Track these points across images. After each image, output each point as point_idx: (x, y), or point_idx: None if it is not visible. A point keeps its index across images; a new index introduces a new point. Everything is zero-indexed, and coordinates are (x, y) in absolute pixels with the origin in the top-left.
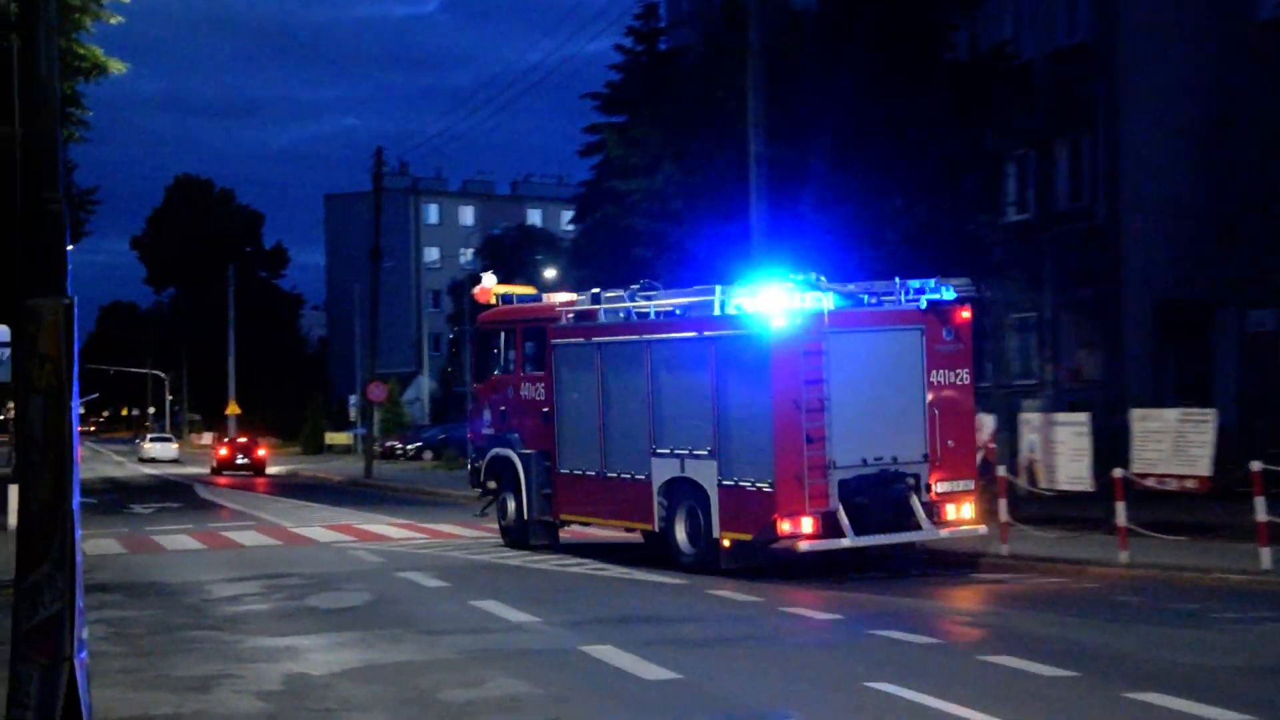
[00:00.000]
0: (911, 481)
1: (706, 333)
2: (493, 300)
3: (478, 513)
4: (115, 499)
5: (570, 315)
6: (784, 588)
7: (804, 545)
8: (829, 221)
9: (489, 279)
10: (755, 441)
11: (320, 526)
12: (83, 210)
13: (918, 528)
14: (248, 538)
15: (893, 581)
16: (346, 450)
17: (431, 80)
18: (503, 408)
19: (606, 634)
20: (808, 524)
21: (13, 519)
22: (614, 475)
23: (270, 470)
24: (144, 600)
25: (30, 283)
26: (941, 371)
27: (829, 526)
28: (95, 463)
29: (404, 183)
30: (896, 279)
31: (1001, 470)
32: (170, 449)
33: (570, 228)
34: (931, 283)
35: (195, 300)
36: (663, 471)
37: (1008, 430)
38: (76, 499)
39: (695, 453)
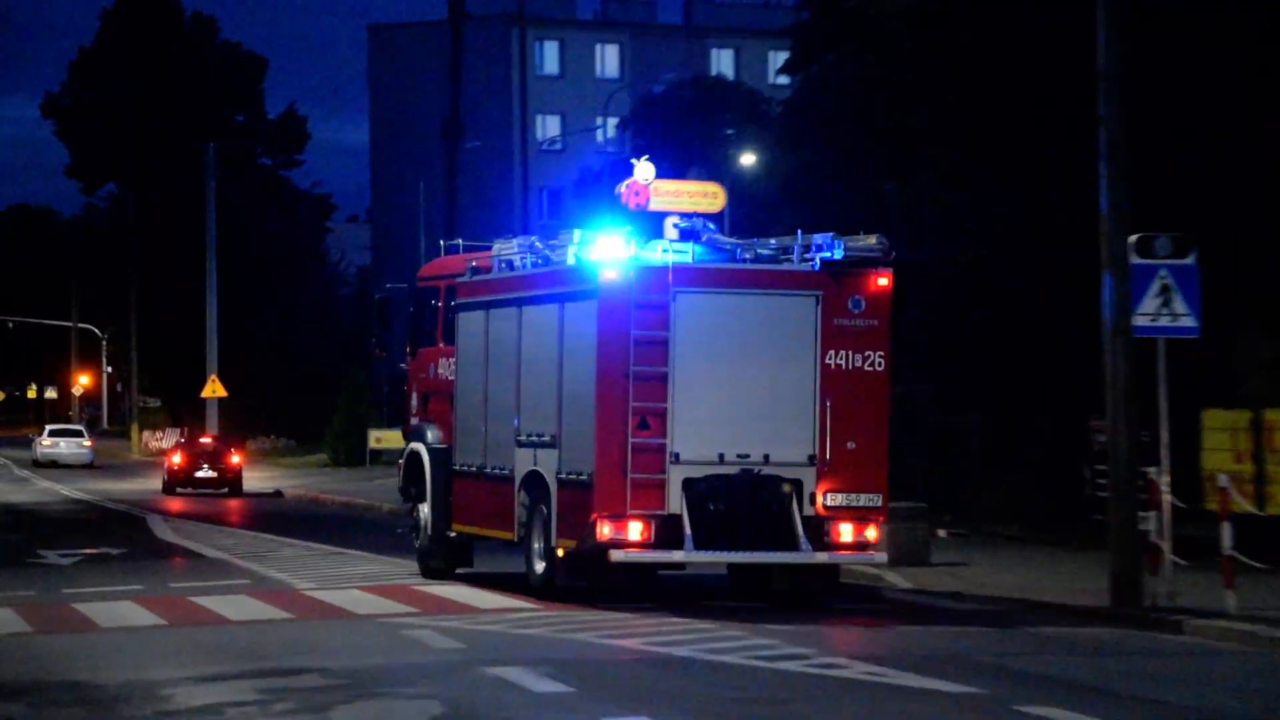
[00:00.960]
0: (788, 489)
1: (555, 289)
2: (647, 204)
3: (398, 530)
4: (12, 541)
5: (471, 267)
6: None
7: (617, 555)
8: None
9: (644, 169)
10: (584, 425)
11: (357, 588)
12: None
13: (792, 547)
14: (235, 606)
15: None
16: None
17: None
18: (424, 391)
19: None
20: (636, 529)
21: None
22: (490, 470)
23: (279, 488)
24: (59, 717)
25: None
26: (843, 353)
27: (668, 535)
28: None
29: (502, 5)
30: (799, 232)
31: (1223, 481)
32: (80, 449)
33: (782, 81)
34: (831, 238)
35: (151, 205)
36: (522, 464)
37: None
38: None
39: (544, 439)
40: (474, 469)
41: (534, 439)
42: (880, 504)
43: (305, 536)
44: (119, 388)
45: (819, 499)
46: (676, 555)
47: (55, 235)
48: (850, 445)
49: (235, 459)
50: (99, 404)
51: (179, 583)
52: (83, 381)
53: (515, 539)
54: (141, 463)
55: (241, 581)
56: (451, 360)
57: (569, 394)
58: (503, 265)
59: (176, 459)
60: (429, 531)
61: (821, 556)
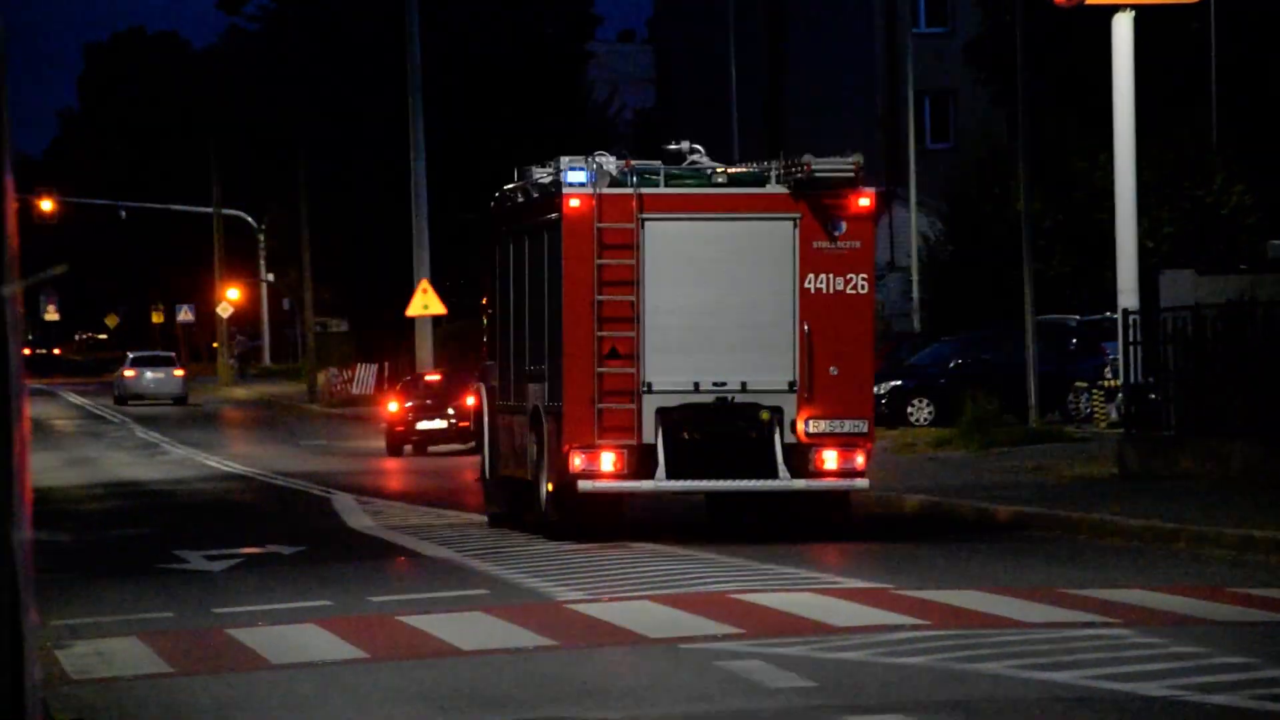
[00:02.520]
0: (767, 416)
1: (541, 218)
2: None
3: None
4: (139, 537)
5: (497, 196)
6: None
7: (585, 485)
8: None
9: None
10: (557, 355)
11: (648, 598)
12: None
13: (771, 475)
14: (467, 629)
15: None
16: None
17: None
18: (487, 328)
19: None
20: (608, 460)
21: None
22: (512, 405)
23: None
24: None
25: None
26: (824, 276)
27: (643, 465)
28: (79, 442)
29: None
30: (781, 153)
31: None
32: (170, 379)
33: None
34: (808, 160)
35: (320, 23)
36: (531, 399)
37: None
38: (20, 529)
39: (540, 371)
40: (507, 407)
41: (534, 371)
42: (866, 430)
43: (650, 536)
44: (285, 305)
45: (800, 426)
46: (646, 485)
47: (184, 72)
48: (833, 370)
49: (471, 399)
50: (257, 329)
51: (383, 595)
52: (231, 297)
53: (529, 478)
54: (324, 417)
55: (476, 591)
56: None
57: (552, 325)
58: (519, 195)
59: (393, 405)
60: (485, 475)
61: (799, 484)
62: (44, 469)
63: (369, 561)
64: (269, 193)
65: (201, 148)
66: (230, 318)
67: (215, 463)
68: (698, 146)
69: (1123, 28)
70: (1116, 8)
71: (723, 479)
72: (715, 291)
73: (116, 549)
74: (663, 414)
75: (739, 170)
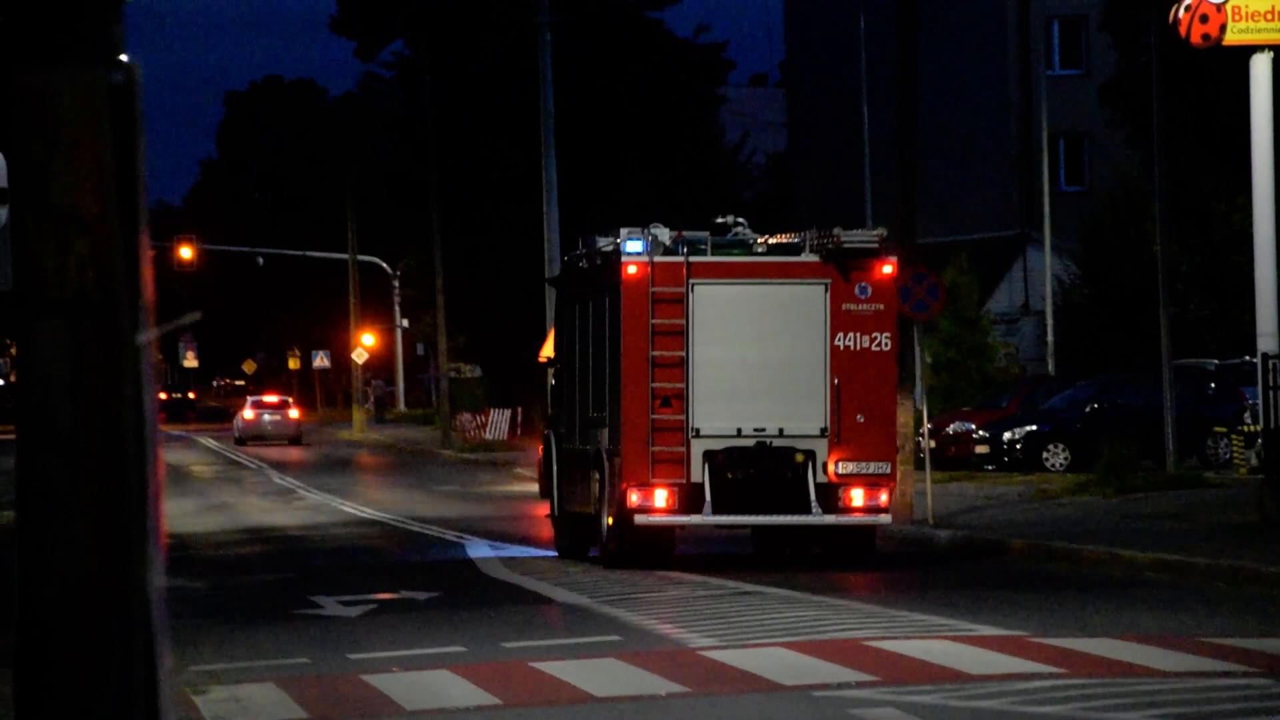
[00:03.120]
0: (802, 459)
1: (603, 283)
2: (1222, 34)
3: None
4: (276, 583)
5: (563, 262)
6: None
7: (640, 519)
8: None
9: None
10: (616, 403)
11: (781, 644)
12: None
13: (805, 511)
14: (600, 675)
15: None
16: None
17: None
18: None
19: None
20: (661, 496)
21: None
22: (578, 449)
23: None
24: None
25: (31, 34)
26: (852, 334)
27: (691, 502)
28: (217, 487)
29: None
30: (815, 226)
31: None
32: (285, 423)
33: None
34: (838, 231)
35: (455, 71)
36: (594, 442)
37: None
38: (158, 575)
39: (602, 418)
40: (573, 450)
41: (596, 418)
42: (889, 471)
43: (694, 567)
44: (419, 350)
45: (831, 467)
46: (695, 519)
47: (320, 119)
48: (860, 419)
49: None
50: (392, 375)
51: (517, 640)
52: (366, 343)
53: (593, 512)
54: (458, 463)
55: (609, 638)
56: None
57: (612, 377)
58: (583, 262)
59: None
60: (554, 512)
61: (829, 518)
62: (182, 514)
63: (503, 607)
64: (404, 239)
65: (337, 195)
66: (365, 363)
67: (350, 508)
68: (741, 220)
69: (1261, 68)
70: (1255, 48)
71: (762, 514)
72: (755, 347)
73: (253, 595)
74: (709, 456)
75: (777, 241)
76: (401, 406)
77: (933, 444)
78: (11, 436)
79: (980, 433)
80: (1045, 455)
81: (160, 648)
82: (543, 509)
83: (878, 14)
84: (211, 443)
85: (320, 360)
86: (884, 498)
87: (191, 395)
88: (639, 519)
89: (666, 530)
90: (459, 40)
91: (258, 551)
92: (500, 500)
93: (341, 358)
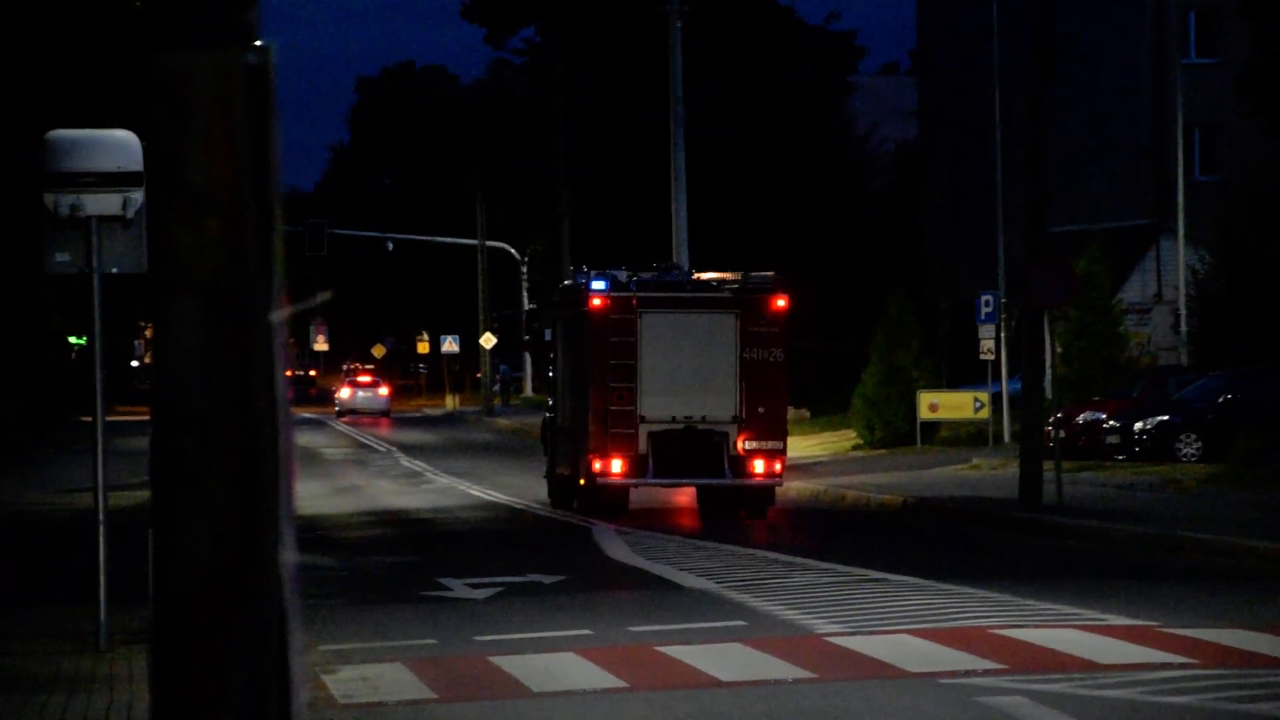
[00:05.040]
0: (718, 437)
1: (578, 309)
2: None
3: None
4: (404, 565)
5: (560, 289)
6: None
7: (602, 481)
8: None
9: None
10: (585, 397)
11: (907, 631)
12: None
13: (721, 476)
14: (727, 660)
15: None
16: (977, 437)
17: None
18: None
19: None
20: (616, 464)
21: None
22: (564, 430)
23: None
24: None
25: (167, 17)
26: (755, 349)
27: (639, 469)
28: (347, 470)
29: None
30: (729, 275)
31: None
32: (376, 399)
33: None
34: (747, 274)
35: (585, 57)
36: (573, 425)
37: None
38: (289, 555)
39: (578, 406)
40: (562, 430)
41: (575, 407)
42: (782, 448)
43: (824, 554)
44: (547, 335)
45: (740, 445)
46: (642, 481)
47: (450, 105)
48: (760, 410)
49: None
50: (520, 359)
51: (642, 624)
52: (495, 328)
53: (570, 475)
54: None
55: (735, 623)
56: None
57: (585, 379)
58: (567, 291)
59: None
60: (549, 473)
61: (738, 481)
62: (313, 496)
63: (628, 591)
64: (532, 225)
65: (467, 181)
66: (494, 348)
67: (478, 491)
68: (678, 264)
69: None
70: None
71: (690, 478)
72: (686, 358)
73: (382, 576)
74: (652, 436)
75: (702, 279)
76: (529, 391)
77: (1063, 434)
78: (146, 418)
79: (1111, 422)
80: (1177, 446)
81: (292, 625)
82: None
83: (1011, 1)
84: (341, 426)
85: (449, 345)
86: (778, 467)
87: (313, 373)
88: (600, 480)
89: (622, 489)
90: (589, 29)
91: (386, 534)
92: None
93: (470, 342)
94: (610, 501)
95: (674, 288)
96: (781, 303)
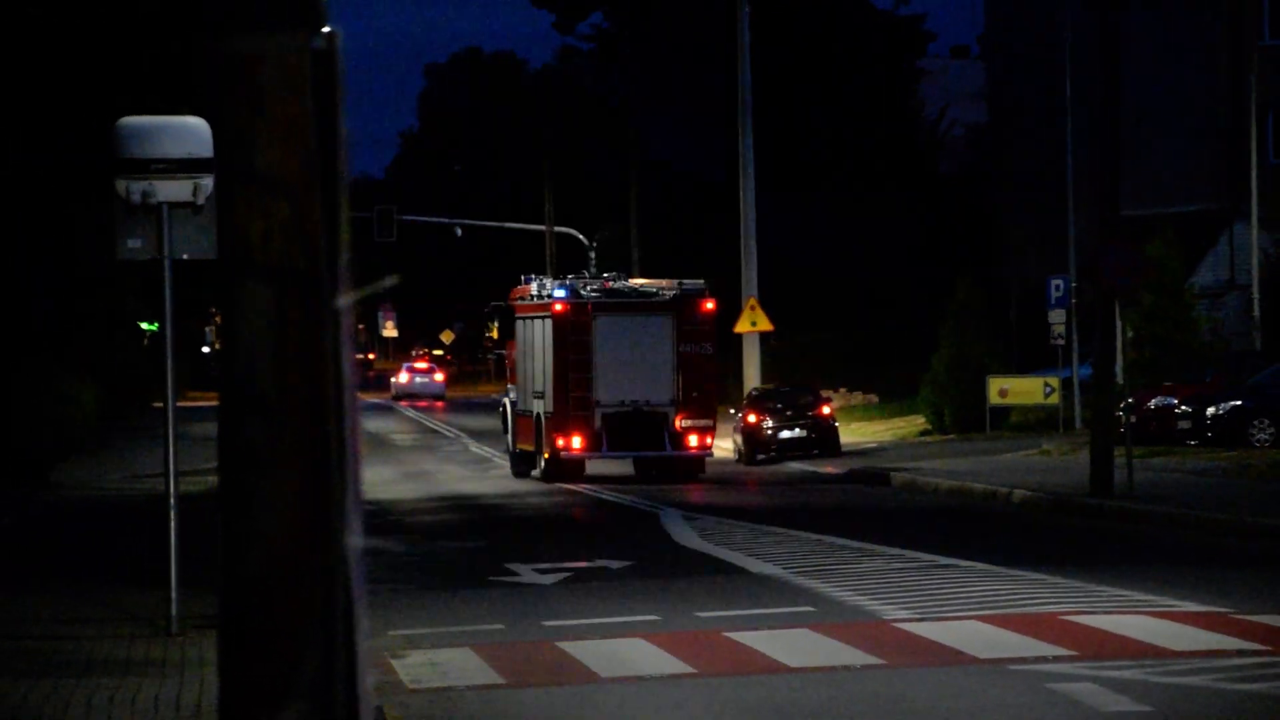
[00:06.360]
0: (659, 418)
1: (541, 313)
2: None
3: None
4: (472, 550)
5: (521, 294)
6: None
7: (564, 454)
8: None
9: None
10: (549, 384)
11: (976, 618)
12: None
13: (662, 449)
14: (794, 645)
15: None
16: (1048, 423)
17: None
18: (509, 366)
19: None
20: (576, 441)
21: None
22: (524, 411)
23: (849, 466)
24: None
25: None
26: (689, 344)
27: (594, 444)
28: (416, 456)
29: None
30: (665, 281)
31: None
32: (432, 384)
33: None
34: (681, 282)
35: (648, 42)
36: (535, 407)
37: None
38: (356, 539)
39: (540, 393)
40: (522, 411)
41: (538, 393)
42: (712, 425)
43: (891, 539)
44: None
45: (677, 423)
46: (596, 454)
47: (519, 91)
48: (694, 394)
49: (825, 409)
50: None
51: (710, 610)
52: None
53: (533, 449)
54: None
55: (802, 609)
56: (514, 348)
57: (547, 369)
58: (529, 296)
59: (752, 417)
60: (510, 449)
61: (677, 453)
62: (383, 482)
63: (696, 576)
64: (601, 210)
65: (535, 166)
66: None
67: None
68: (623, 275)
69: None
70: None
71: (637, 451)
72: (632, 352)
73: (451, 561)
74: (605, 417)
75: (644, 287)
76: None
77: (1134, 419)
78: (216, 403)
79: (1183, 408)
80: (1250, 431)
81: (359, 608)
82: (747, 476)
83: None
84: (411, 411)
85: None
86: (709, 440)
87: (371, 356)
88: (563, 454)
89: (580, 460)
90: (657, 14)
91: (455, 519)
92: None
93: None
94: (570, 470)
95: (621, 294)
96: (710, 305)
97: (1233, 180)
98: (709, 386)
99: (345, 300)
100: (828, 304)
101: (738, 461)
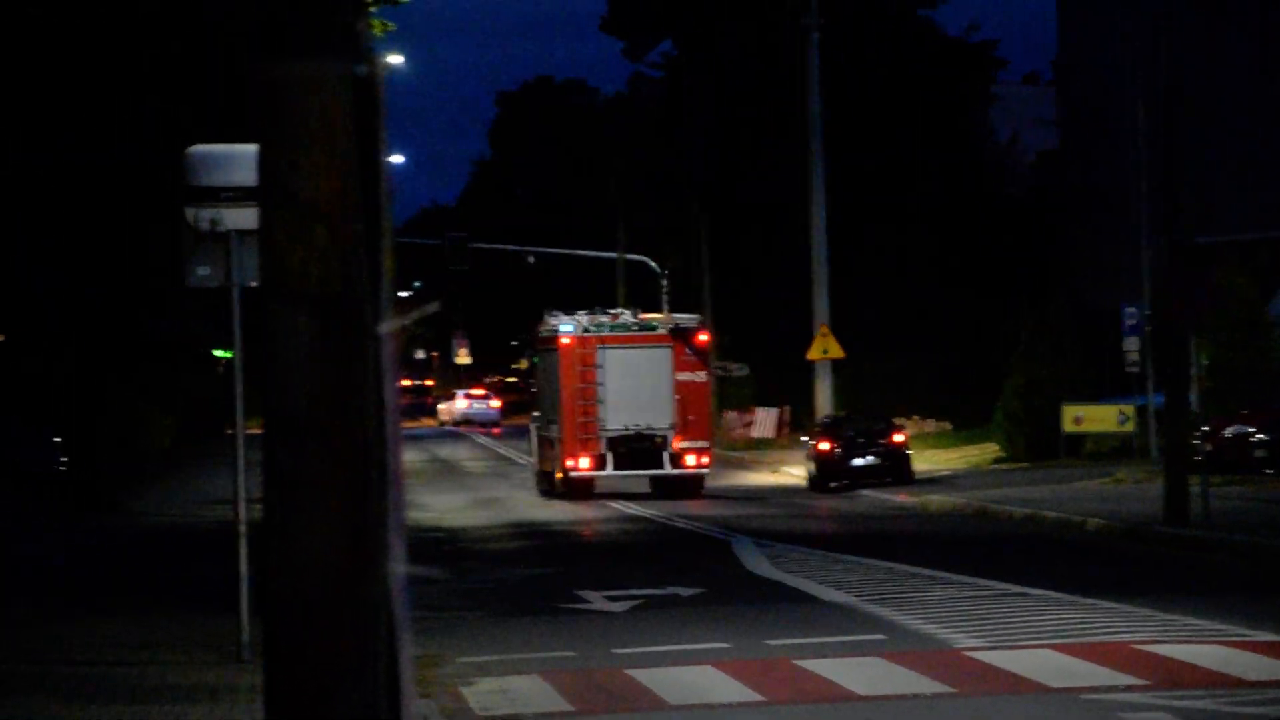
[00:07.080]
0: (659, 440)
1: (553, 345)
2: None
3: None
4: (543, 577)
5: (541, 328)
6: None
7: (572, 473)
8: None
9: None
10: (560, 412)
11: (1049, 646)
12: None
13: (661, 468)
14: (865, 674)
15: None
16: (1122, 451)
17: None
18: (535, 393)
19: None
20: (585, 462)
21: None
22: (545, 436)
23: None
24: None
25: (278, 28)
26: (686, 373)
27: (600, 464)
28: (487, 483)
29: None
30: (663, 315)
31: None
32: (488, 411)
33: None
34: (677, 316)
35: (717, 69)
36: (553, 432)
37: None
38: (399, 565)
39: (556, 418)
40: (542, 435)
41: (551, 419)
42: (708, 446)
43: (964, 568)
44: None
45: (676, 445)
46: (603, 473)
47: (590, 119)
48: (690, 418)
49: (898, 436)
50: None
51: (781, 638)
52: None
53: (550, 470)
54: (725, 462)
55: (874, 637)
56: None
57: (560, 398)
58: (545, 330)
59: (825, 444)
60: (534, 469)
61: (676, 471)
62: (454, 509)
63: (767, 604)
64: (671, 238)
65: (606, 193)
66: None
67: (617, 505)
68: (626, 310)
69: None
70: None
71: (639, 470)
72: (634, 381)
73: (521, 588)
74: (610, 440)
75: (646, 320)
76: None
77: (1209, 447)
78: (259, 431)
79: (1259, 435)
80: None
81: (402, 634)
82: (817, 501)
83: (1156, 8)
84: (482, 439)
85: None
86: (705, 460)
87: (429, 383)
88: (572, 474)
89: (589, 479)
90: (724, 41)
91: (526, 546)
92: (767, 498)
93: None
94: (581, 488)
95: (623, 328)
96: (704, 337)
97: None
98: (704, 411)
99: (388, 326)
100: (897, 330)
101: (809, 489)
